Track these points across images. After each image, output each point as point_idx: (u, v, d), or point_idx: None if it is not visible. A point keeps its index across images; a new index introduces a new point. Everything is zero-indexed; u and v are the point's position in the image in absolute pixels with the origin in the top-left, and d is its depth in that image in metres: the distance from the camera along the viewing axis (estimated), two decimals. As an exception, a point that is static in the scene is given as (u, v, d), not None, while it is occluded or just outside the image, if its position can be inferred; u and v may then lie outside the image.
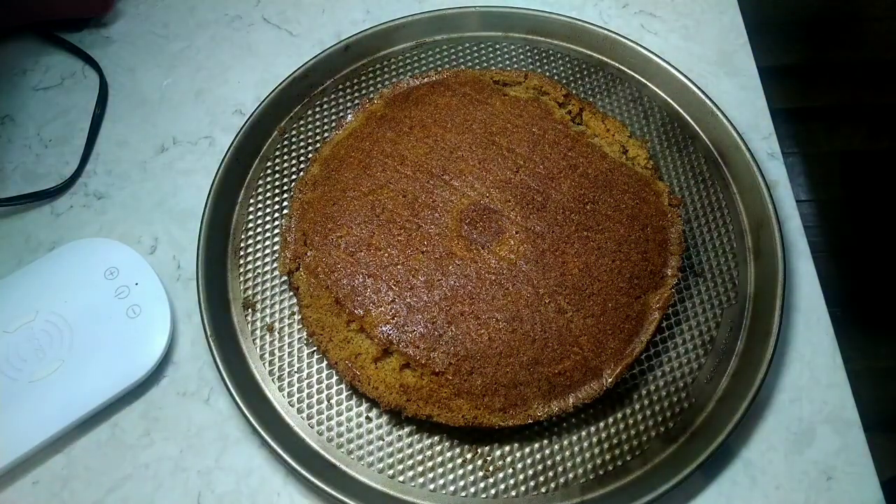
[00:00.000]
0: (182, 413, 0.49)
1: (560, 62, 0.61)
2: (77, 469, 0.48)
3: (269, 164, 0.57)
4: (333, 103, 0.60)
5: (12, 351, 0.48)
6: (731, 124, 0.55)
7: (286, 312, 0.51)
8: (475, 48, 0.62)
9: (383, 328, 0.47)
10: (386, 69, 0.61)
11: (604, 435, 0.47)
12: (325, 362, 0.49)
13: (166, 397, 0.50)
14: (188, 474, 0.47)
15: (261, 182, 0.56)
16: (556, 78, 0.60)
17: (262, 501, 0.46)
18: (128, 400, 0.50)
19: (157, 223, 0.57)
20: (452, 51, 0.62)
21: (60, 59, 0.65)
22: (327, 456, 0.46)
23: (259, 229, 0.54)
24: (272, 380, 0.49)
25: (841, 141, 1.49)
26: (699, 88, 0.56)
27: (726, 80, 0.62)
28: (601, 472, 0.45)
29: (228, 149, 0.54)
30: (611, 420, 0.47)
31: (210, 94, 0.63)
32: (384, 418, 0.47)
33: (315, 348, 0.49)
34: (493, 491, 0.45)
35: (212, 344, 0.48)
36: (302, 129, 0.58)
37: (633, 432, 0.47)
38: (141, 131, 0.61)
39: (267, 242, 0.54)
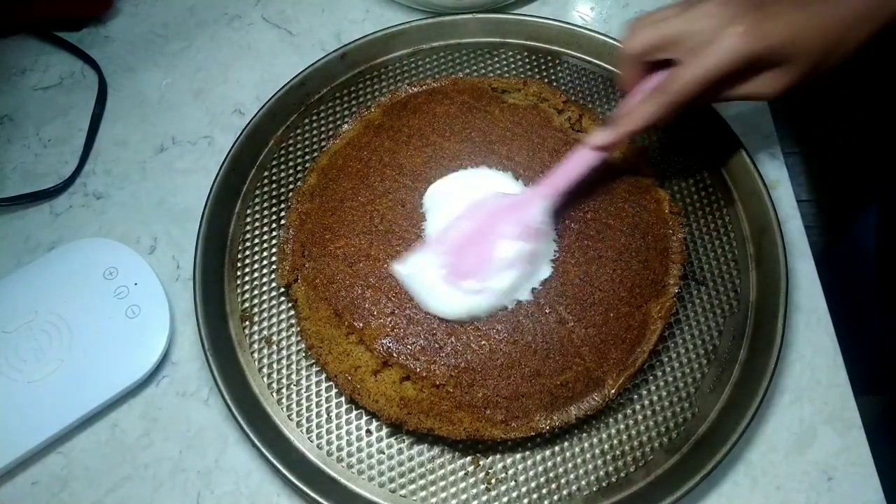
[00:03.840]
0: (181, 413, 0.49)
1: (559, 68, 0.61)
2: (76, 469, 0.47)
3: (266, 174, 0.56)
4: (331, 112, 0.59)
5: (12, 351, 0.48)
6: (732, 130, 0.54)
7: (284, 325, 0.51)
8: (473, 55, 0.61)
9: (383, 340, 0.46)
10: (383, 77, 0.61)
11: (606, 446, 0.46)
12: (325, 375, 0.48)
13: (165, 397, 0.50)
14: (187, 475, 0.47)
15: (258, 192, 0.56)
16: (554, 84, 0.60)
17: (261, 502, 0.46)
18: (127, 400, 0.49)
19: (156, 223, 0.56)
20: (450, 58, 0.61)
21: (60, 58, 0.65)
22: (328, 470, 0.46)
23: (256, 240, 0.54)
24: (271, 393, 0.48)
25: (842, 139, 1.48)
26: (699, 94, 0.56)
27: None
28: (604, 484, 0.45)
29: (225, 159, 0.54)
30: (613, 431, 0.47)
31: (209, 94, 0.63)
32: (385, 431, 0.47)
33: (314, 361, 0.48)
34: (495, 504, 0.45)
35: (209, 357, 0.47)
36: (299, 138, 0.58)
37: (635, 443, 0.46)
38: (140, 131, 0.61)
39: (265, 254, 0.53)
